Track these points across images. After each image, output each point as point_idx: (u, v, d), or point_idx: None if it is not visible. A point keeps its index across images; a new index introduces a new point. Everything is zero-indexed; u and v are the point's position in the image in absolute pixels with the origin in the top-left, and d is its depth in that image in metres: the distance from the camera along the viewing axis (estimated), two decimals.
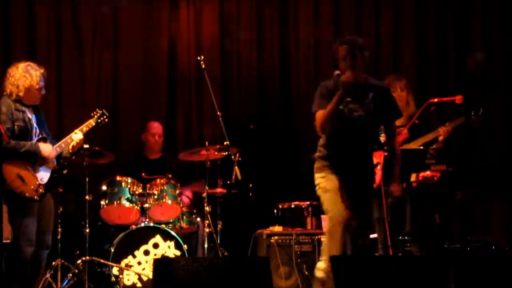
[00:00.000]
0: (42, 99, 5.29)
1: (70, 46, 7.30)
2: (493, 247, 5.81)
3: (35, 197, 5.04)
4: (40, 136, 5.17)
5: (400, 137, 5.37)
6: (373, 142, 4.80)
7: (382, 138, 5.40)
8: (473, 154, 7.17)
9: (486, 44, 7.45)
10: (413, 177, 5.18)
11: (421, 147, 5.23)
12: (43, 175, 5.12)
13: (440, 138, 5.27)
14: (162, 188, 6.28)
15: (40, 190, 5.06)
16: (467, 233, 6.34)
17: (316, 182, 4.80)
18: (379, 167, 5.25)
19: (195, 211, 6.57)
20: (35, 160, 5.06)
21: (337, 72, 5.27)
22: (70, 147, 5.26)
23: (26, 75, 5.10)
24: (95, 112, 5.53)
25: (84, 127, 5.37)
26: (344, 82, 4.62)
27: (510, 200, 7.04)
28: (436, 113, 5.49)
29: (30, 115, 5.14)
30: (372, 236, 5.66)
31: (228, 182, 6.31)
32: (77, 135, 5.27)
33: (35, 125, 5.16)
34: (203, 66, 6.14)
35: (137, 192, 6.27)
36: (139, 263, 6.07)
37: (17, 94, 5.10)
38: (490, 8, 7.47)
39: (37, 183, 5.05)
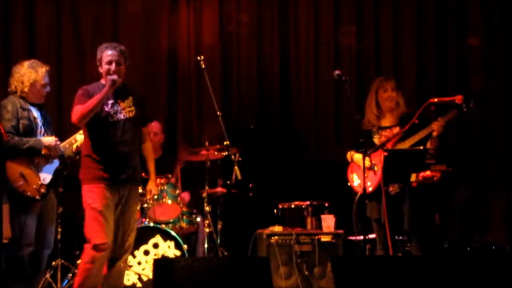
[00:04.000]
0: (47, 97, 5.28)
1: (70, 46, 7.30)
2: (493, 247, 5.81)
3: (37, 197, 5.01)
4: (46, 135, 5.16)
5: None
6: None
7: (376, 139, 5.41)
8: (473, 153, 7.17)
9: (486, 43, 7.46)
10: (413, 177, 5.17)
11: (421, 147, 5.20)
12: (46, 176, 5.08)
13: (434, 133, 5.22)
14: (162, 188, 6.27)
15: (42, 190, 5.03)
16: (467, 233, 6.33)
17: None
18: (377, 168, 5.27)
19: (195, 211, 6.57)
20: (39, 154, 5.03)
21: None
22: (74, 147, 5.26)
23: (31, 70, 5.11)
24: None
25: None
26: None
27: (510, 200, 7.04)
28: (436, 112, 5.48)
29: (35, 114, 5.12)
30: (371, 236, 5.67)
31: (228, 182, 6.30)
32: (81, 136, 5.25)
33: (40, 124, 5.14)
34: (203, 66, 6.13)
35: None
36: (139, 263, 6.07)
37: (22, 89, 5.07)
38: (490, 6, 7.47)
39: (39, 183, 5.02)
